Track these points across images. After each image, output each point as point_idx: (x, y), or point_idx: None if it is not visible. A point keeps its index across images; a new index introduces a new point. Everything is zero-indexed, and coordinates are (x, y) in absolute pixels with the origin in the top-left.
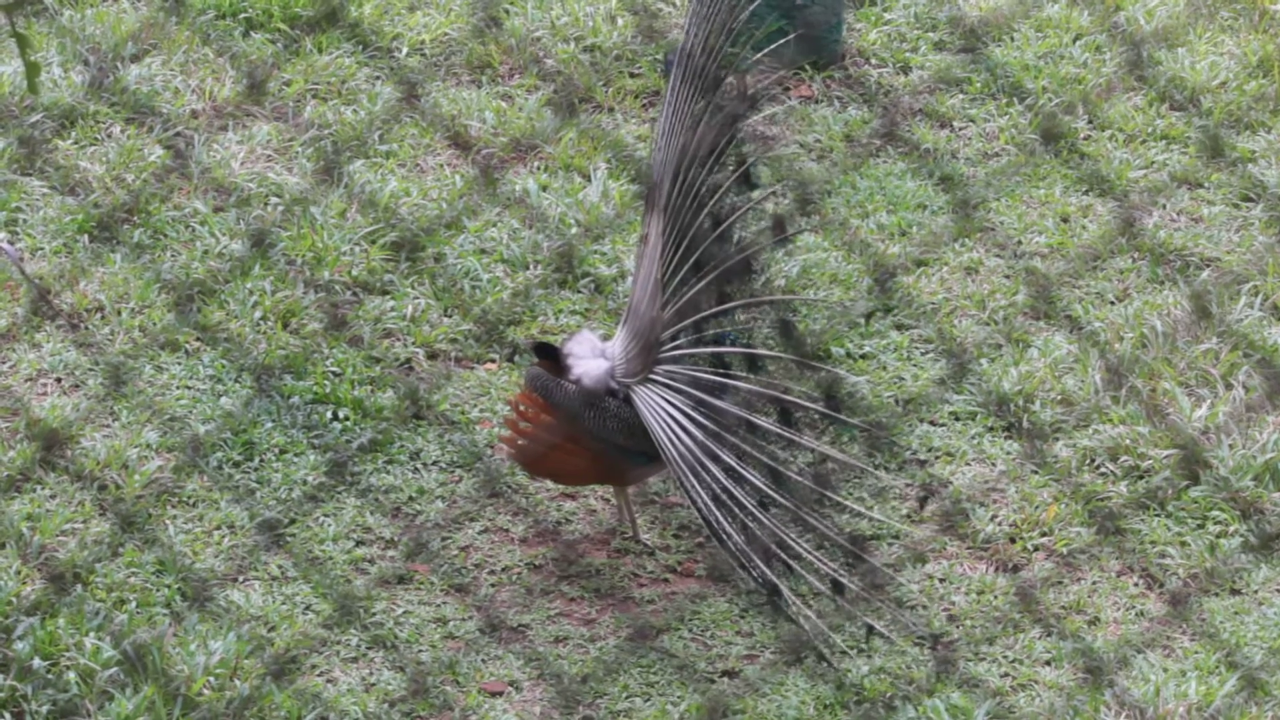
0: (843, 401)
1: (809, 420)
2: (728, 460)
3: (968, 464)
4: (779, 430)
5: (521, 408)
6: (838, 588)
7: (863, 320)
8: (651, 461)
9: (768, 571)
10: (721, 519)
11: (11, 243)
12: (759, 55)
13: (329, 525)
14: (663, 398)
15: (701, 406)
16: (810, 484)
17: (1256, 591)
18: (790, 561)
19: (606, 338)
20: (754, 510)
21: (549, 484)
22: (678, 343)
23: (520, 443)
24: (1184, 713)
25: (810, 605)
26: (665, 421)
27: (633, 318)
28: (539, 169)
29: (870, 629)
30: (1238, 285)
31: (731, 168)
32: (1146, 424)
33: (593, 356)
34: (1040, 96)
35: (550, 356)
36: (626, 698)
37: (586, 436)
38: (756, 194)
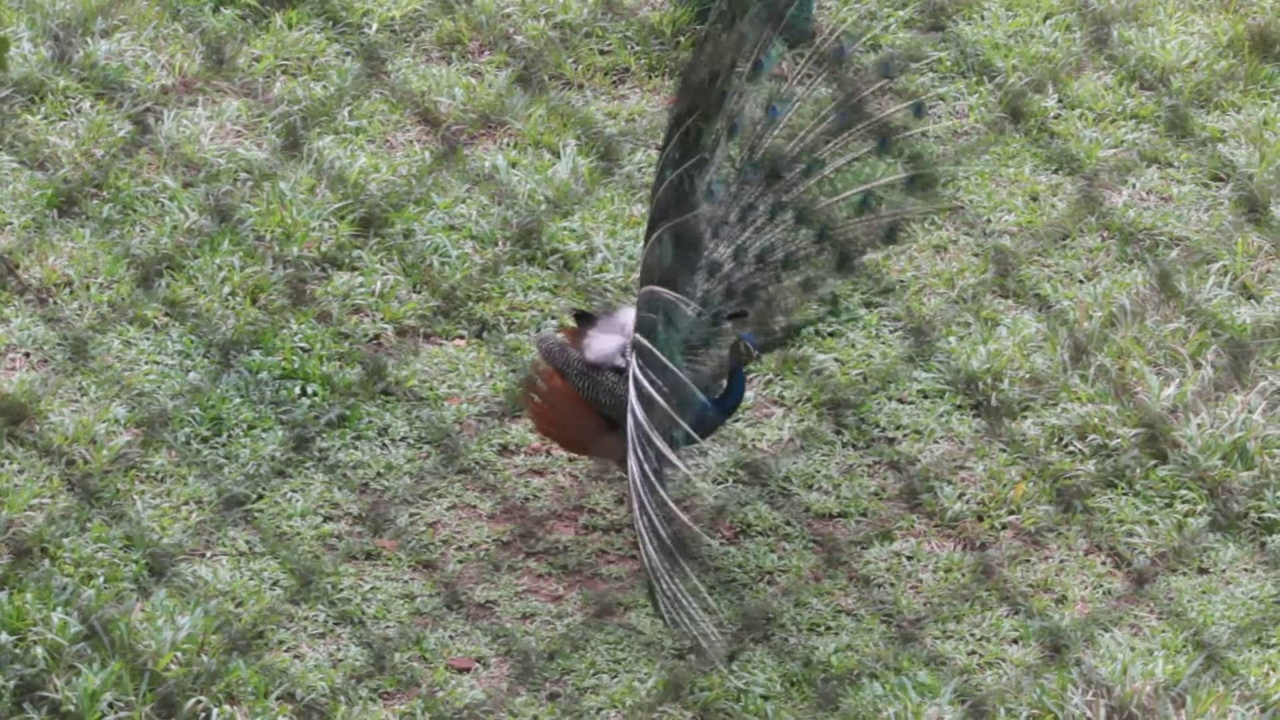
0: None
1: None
2: (650, 449)
3: (935, 442)
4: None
5: (541, 367)
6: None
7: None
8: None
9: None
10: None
11: None
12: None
13: (296, 501)
14: (632, 378)
15: (639, 391)
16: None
17: (1224, 570)
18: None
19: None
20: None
21: (516, 460)
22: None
23: (536, 402)
24: (1151, 691)
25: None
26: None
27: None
28: (508, 145)
29: (696, 644)
30: (1206, 264)
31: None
32: (1114, 402)
33: (612, 332)
34: (1010, 75)
35: (585, 325)
36: (593, 674)
37: (590, 408)
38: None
